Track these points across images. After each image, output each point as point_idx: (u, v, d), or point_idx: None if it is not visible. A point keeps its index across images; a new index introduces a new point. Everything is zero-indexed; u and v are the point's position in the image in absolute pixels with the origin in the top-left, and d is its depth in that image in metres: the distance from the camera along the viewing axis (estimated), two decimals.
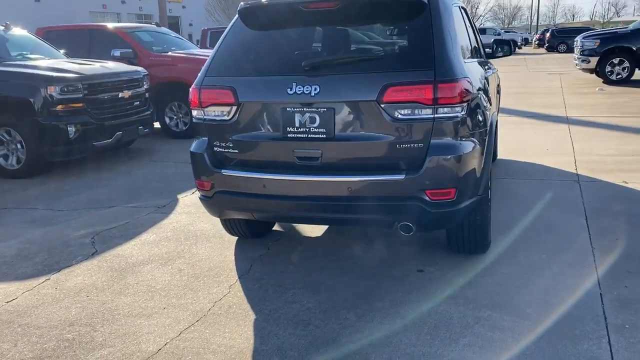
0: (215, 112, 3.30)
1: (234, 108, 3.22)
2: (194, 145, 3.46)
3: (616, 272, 3.33)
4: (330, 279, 3.46)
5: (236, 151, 3.29)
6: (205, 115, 3.34)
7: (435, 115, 2.91)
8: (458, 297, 3.14)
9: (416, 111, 2.92)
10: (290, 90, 3.05)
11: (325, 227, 4.37)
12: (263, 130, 3.23)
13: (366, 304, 3.11)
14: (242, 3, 3.45)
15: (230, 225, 3.98)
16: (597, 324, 2.78)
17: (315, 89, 3.01)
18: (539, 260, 3.58)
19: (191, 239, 4.28)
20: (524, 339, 2.69)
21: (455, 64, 2.97)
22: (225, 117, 3.26)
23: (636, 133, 7.71)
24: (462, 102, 2.94)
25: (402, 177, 2.96)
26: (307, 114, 3.07)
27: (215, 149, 3.36)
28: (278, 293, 3.31)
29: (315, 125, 3.06)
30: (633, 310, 2.90)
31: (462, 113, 2.96)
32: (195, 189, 3.72)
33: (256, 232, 4.11)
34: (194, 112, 3.42)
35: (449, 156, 2.95)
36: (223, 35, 3.45)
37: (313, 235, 4.26)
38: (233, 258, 3.87)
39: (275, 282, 3.45)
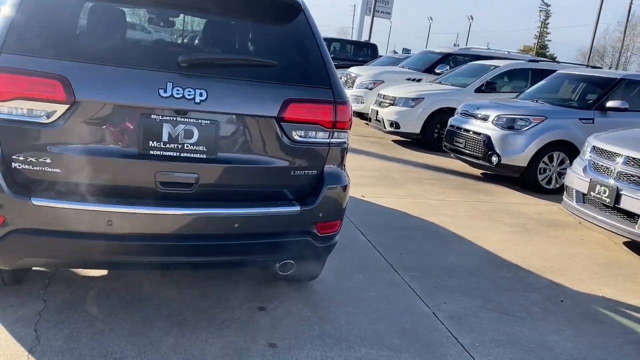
0: (22, 110, 2.13)
1: (62, 107, 2.15)
2: None
3: (427, 289, 3.61)
4: (166, 334, 2.68)
5: (57, 170, 2.20)
6: None
7: (331, 140, 2.58)
8: (325, 336, 2.87)
9: (315, 133, 2.52)
10: (165, 92, 2.21)
11: None
12: (106, 142, 2.25)
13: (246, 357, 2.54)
14: None
15: None
16: (456, 345, 2.95)
17: (200, 95, 2.26)
18: (359, 282, 3.60)
19: None
20: None
21: (341, 84, 2.69)
22: (43, 120, 2.15)
23: None
24: (349, 127, 2.69)
25: (297, 209, 2.51)
26: (182, 126, 2.29)
27: (15, 165, 2.17)
28: None
29: (192, 141, 2.31)
30: (468, 327, 3.18)
31: (347, 139, 2.71)
32: None
33: (19, 278, 2.89)
34: None
35: (338, 186, 2.66)
36: None
37: (95, 273, 3.25)
38: None
39: (91, 351, 2.48)
